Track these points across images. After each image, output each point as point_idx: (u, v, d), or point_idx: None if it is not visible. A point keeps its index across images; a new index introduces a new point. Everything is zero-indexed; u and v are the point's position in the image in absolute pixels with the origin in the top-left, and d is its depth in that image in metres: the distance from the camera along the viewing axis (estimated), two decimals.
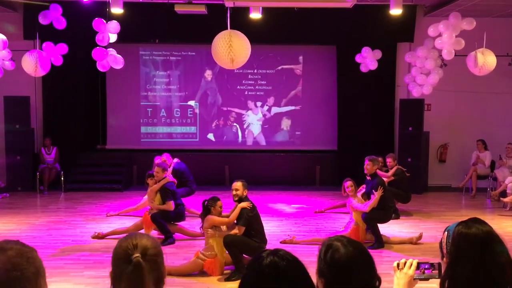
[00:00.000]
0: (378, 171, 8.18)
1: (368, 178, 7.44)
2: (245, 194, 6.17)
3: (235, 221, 6.06)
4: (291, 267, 1.70)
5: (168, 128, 12.61)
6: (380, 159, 9.36)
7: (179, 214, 7.67)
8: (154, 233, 7.28)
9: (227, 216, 6.22)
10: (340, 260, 1.90)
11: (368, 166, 7.38)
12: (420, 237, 7.35)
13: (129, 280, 1.75)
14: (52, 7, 8.91)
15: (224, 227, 6.15)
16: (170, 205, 7.38)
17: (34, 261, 1.52)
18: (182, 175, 8.76)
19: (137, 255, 1.76)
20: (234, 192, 6.20)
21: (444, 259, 2.10)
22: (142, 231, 7.07)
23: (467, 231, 2.05)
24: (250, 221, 6.02)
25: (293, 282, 1.68)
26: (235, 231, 6.02)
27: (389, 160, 9.28)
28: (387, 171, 9.17)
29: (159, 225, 7.30)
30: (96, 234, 7.54)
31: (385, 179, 8.76)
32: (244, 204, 6.04)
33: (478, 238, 2.03)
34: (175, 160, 9.06)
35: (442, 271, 2.15)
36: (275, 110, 12.61)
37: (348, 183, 7.35)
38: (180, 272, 5.98)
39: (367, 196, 7.34)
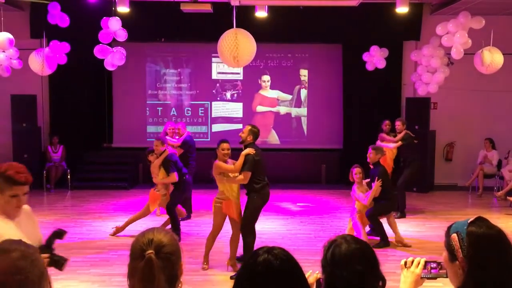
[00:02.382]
0: (386, 136, 8.04)
1: (371, 167, 7.43)
2: (249, 139, 6.17)
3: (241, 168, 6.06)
4: (284, 266, 1.70)
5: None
6: (387, 121, 9.23)
7: (187, 182, 7.74)
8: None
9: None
10: (340, 255, 1.90)
11: (371, 155, 7.37)
12: (406, 245, 7.26)
13: (140, 276, 1.74)
14: (51, 5, 8.86)
15: (232, 174, 6.13)
16: (174, 177, 7.38)
17: (38, 263, 1.48)
18: (189, 148, 8.87)
19: (150, 251, 1.75)
20: (240, 134, 6.30)
21: (457, 262, 1.97)
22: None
23: (483, 231, 1.94)
24: (255, 166, 6.03)
25: (285, 281, 1.69)
26: (241, 177, 6.01)
27: (398, 124, 9.05)
28: (395, 135, 9.03)
29: (172, 218, 7.36)
30: (115, 229, 7.59)
31: (394, 144, 8.68)
32: (247, 151, 6.06)
33: (495, 237, 1.93)
34: (188, 132, 9.18)
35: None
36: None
37: (356, 170, 7.30)
38: (215, 233, 6.23)
39: (370, 185, 7.33)
